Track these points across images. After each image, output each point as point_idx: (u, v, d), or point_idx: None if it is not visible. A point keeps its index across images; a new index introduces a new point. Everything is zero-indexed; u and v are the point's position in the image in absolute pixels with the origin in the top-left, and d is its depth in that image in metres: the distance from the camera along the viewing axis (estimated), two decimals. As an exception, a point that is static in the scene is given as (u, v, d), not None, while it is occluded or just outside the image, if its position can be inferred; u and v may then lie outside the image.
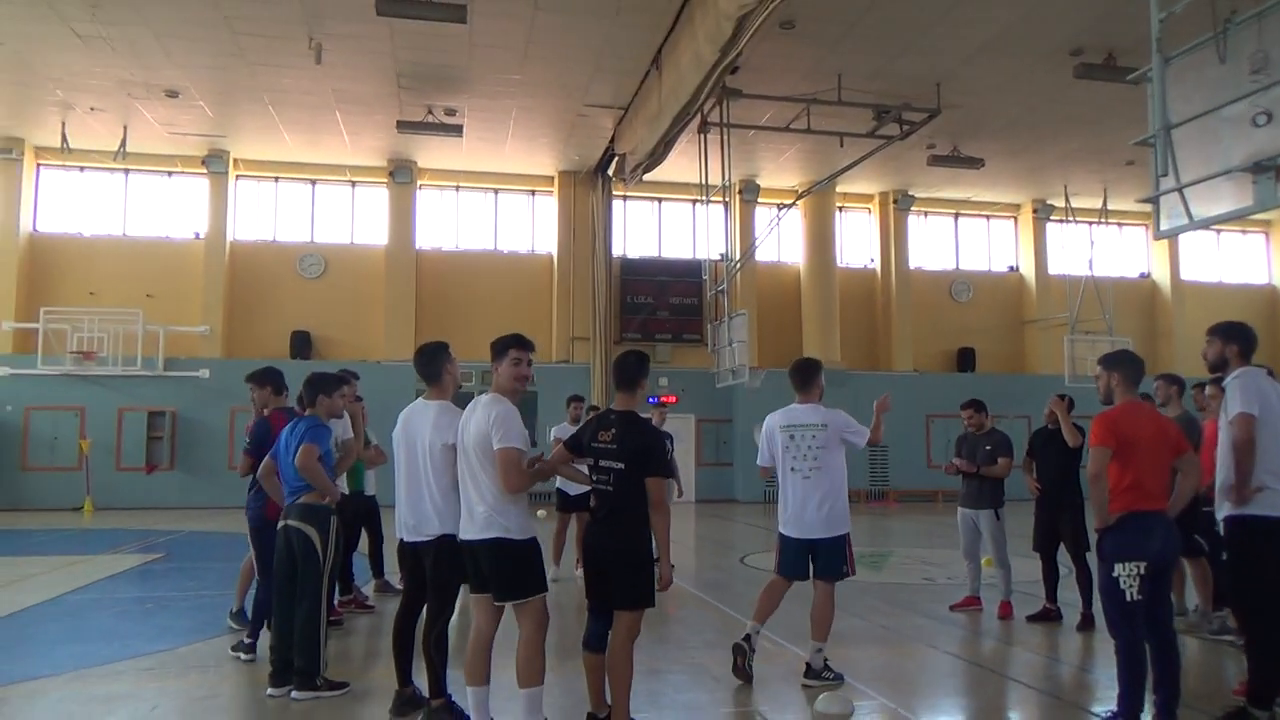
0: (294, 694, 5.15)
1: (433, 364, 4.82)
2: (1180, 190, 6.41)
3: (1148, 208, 6.50)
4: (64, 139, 18.18)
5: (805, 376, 5.65)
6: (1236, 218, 6.23)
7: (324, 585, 5.31)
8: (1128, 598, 4.51)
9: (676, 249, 22.95)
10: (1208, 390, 6.38)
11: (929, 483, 21.19)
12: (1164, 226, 6.73)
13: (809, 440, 5.49)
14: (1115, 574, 4.54)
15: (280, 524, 5.42)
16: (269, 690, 5.26)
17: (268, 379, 6.35)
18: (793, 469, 5.52)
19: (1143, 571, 4.49)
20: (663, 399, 21.81)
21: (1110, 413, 4.72)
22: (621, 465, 4.35)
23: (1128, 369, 4.81)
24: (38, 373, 18.56)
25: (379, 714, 4.93)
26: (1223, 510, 4.75)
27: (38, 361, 18.50)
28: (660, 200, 22.98)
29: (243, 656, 5.97)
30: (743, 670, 5.53)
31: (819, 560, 5.55)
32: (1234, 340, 4.86)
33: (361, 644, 6.94)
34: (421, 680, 4.81)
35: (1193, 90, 6.59)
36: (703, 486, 21.24)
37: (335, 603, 7.58)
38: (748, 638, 5.57)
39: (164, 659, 6.05)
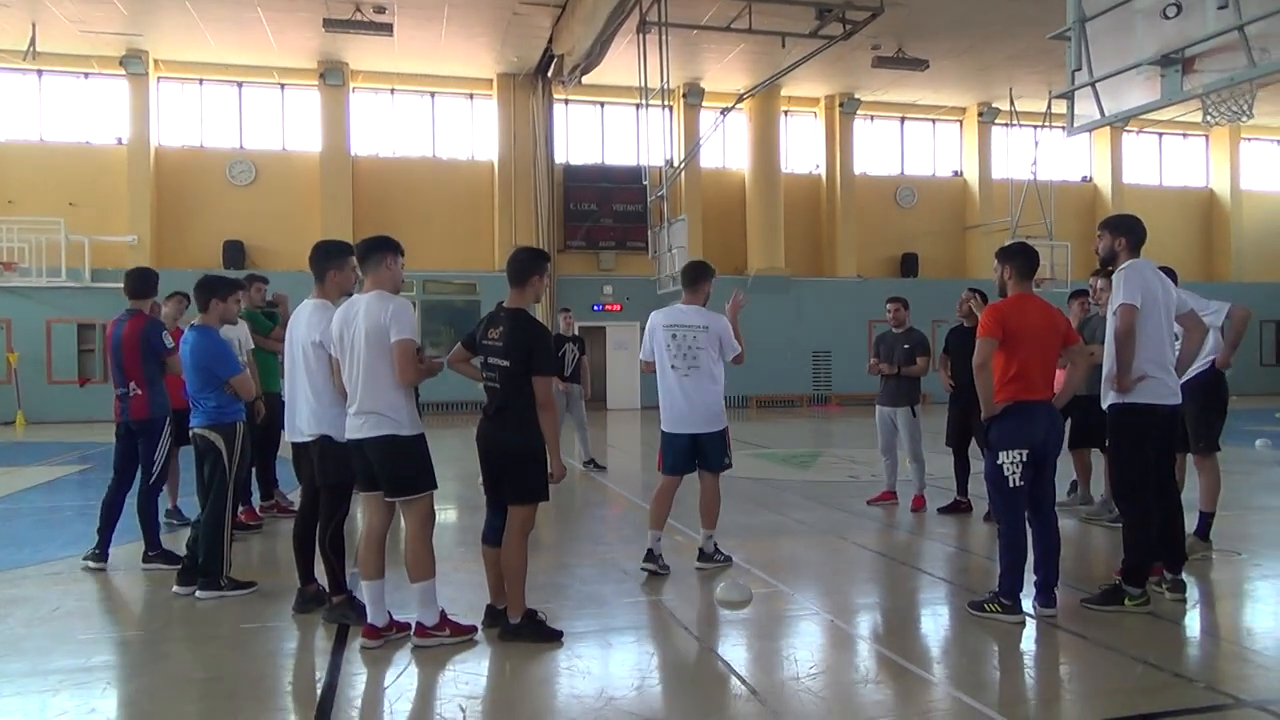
0: (198, 593, 5.19)
1: (315, 265, 4.74)
2: (1093, 85, 6.41)
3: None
4: (-33, 37, 17.20)
5: (693, 277, 5.76)
6: (1147, 112, 6.22)
7: (229, 490, 5.36)
8: (1010, 484, 4.66)
9: (620, 155, 22.54)
10: (1099, 283, 6.49)
11: (871, 387, 21.17)
12: (1077, 123, 6.75)
13: (690, 340, 5.61)
14: (999, 461, 4.68)
15: (190, 431, 5.48)
16: (175, 588, 5.31)
17: None
18: (673, 366, 5.64)
19: (1025, 459, 4.62)
20: (607, 307, 21.83)
21: (998, 304, 4.80)
22: (507, 363, 4.32)
23: (1021, 261, 4.87)
24: (-44, 285, 17.95)
25: (283, 611, 4.97)
26: (1107, 399, 4.87)
27: (-45, 273, 17.87)
28: (603, 104, 22.46)
29: (91, 565, 5.84)
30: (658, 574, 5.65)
31: (703, 454, 5.70)
32: (1123, 233, 4.91)
33: (284, 546, 6.91)
34: (324, 578, 4.85)
35: (1110, -19, 6.52)
36: (648, 393, 21.33)
37: (256, 508, 7.62)
38: (650, 551, 5.66)
39: (72, 564, 5.99)
